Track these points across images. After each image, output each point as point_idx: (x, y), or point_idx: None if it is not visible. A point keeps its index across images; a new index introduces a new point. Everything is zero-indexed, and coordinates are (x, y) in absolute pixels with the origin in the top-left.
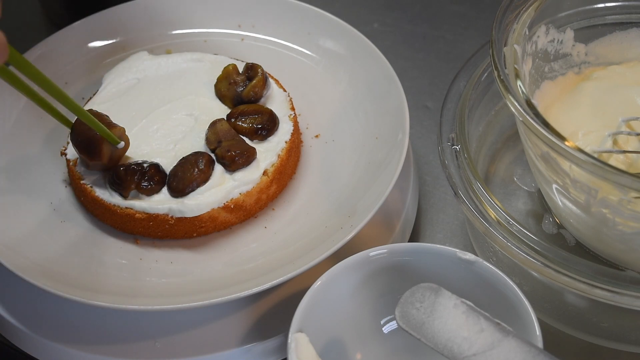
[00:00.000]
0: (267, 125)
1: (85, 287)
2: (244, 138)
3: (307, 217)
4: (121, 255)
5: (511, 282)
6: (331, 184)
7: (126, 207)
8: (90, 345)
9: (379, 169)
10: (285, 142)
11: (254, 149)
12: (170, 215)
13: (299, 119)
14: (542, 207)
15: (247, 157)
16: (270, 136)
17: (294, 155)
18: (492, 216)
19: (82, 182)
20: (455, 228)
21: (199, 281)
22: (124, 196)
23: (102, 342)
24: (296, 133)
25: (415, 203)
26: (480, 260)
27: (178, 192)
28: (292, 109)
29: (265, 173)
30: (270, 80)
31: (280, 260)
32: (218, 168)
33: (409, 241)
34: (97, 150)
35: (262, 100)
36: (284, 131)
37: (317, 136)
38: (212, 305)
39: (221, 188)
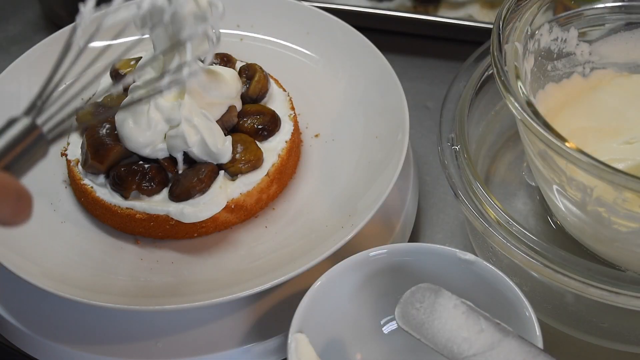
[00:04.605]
0: (269, 126)
1: (86, 287)
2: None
3: (307, 217)
4: (121, 256)
5: (511, 282)
6: (331, 183)
7: (127, 208)
8: (90, 345)
9: (379, 169)
10: (286, 141)
11: (261, 153)
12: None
13: (298, 119)
14: (542, 207)
15: (253, 164)
16: (271, 137)
17: (294, 155)
18: (492, 216)
19: (82, 182)
20: (455, 228)
21: (199, 281)
22: (125, 197)
23: (102, 342)
24: (296, 133)
25: (415, 203)
26: (480, 260)
27: (178, 198)
28: (292, 108)
29: (265, 173)
30: (270, 80)
31: (280, 259)
32: (220, 176)
33: (408, 241)
34: (103, 155)
35: (262, 100)
36: (285, 131)
37: (317, 136)
38: (212, 305)
39: (221, 195)
